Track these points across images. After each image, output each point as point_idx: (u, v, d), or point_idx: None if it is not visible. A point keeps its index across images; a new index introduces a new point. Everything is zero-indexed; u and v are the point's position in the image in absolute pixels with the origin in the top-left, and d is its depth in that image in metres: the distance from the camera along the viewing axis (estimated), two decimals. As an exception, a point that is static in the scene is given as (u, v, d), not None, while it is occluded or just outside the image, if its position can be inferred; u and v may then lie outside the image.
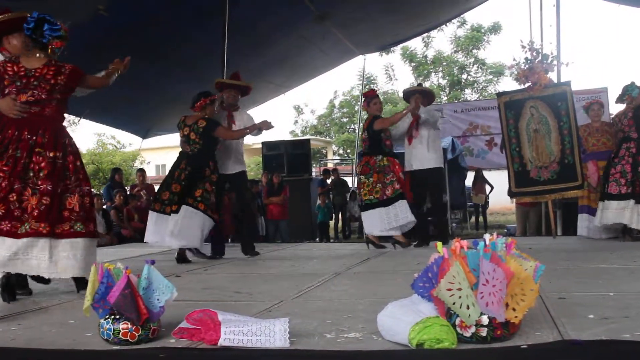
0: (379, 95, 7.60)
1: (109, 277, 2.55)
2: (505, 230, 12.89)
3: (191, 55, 10.47)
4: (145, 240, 6.32)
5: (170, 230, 5.84)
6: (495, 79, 28.01)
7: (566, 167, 6.86)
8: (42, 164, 3.75)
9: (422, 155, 7.06)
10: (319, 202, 13.89)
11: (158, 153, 30.07)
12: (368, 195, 6.89)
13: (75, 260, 3.81)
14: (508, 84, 27.49)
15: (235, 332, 2.40)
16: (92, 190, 4.09)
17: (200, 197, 5.84)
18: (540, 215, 10.24)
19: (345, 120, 31.15)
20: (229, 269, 5.56)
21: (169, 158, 30.61)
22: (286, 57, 12.12)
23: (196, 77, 11.25)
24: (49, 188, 3.73)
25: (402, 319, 2.36)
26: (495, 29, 26.85)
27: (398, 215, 6.76)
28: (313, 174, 15.35)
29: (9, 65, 3.86)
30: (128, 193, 11.50)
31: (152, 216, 6.07)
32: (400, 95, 24.05)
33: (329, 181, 14.84)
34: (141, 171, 12.53)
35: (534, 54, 7.00)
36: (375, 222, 6.89)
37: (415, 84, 21.45)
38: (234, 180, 6.55)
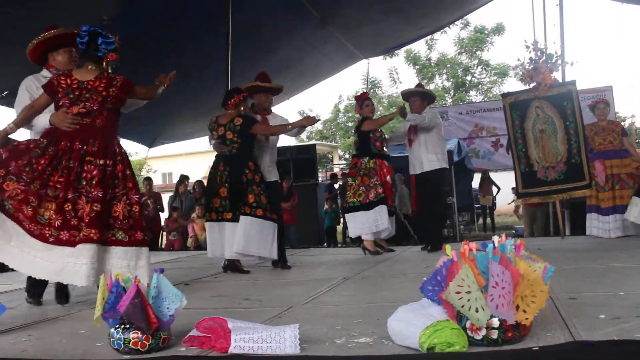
0: (371, 98, 7.56)
1: (119, 287, 2.56)
2: (513, 232, 12.86)
3: (195, 63, 10.50)
4: (209, 256, 5.98)
5: (237, 243, 5.52)
6: (500, 80, 27.95)
7: (573, 166, 6.84)
8: (94, 172, 3.86)
9: (421, 157, 6.99)
10: (326, 206, 13.86)
11: (164, 161, 30.14)
12: (352, 197, 6.83)
13: (113, 268, 3.84)
14: (513, 84, 27.44)
15: (245, 339, 2.40)
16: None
17: (255, 202, 5.58)
18: (547, 216, 10.20)
19: (350, 124, 31.11)
20: (238, 276, 5.55)
21: (175, 166, 30.77)
22: (290, 63, 12.13)
23: (201, 84, 11.29)
24: (100, 195, 3.82)
25: (413, 323, 2.36)
26: (498, 29, 26.81)
27: (377, 221, 6.68)
28: (319, 178, 15.32)
29: (62, 78, 3.99)
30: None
31: (213, 227, 5.76)
32: (405, 98, 24.03)
33: (336, 186, 14.81)
34: (148, 180, 12.56)
35: (538, 54, 6.98)
36: (357, 225, 6.83)
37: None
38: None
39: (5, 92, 9.48)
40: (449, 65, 28.07)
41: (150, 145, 14.06)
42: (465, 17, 21.65)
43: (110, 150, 3.97)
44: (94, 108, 3.94)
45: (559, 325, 2.62)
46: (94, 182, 3.83)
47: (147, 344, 2.52)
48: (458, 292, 2.26)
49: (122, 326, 2.54)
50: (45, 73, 4.29)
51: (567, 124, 6.87)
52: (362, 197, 6.73)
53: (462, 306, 2.26)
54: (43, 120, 4.03)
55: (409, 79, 44.11)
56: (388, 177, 6.84)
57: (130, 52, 9.53)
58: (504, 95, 7.58)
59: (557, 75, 7.27)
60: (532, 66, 6.92)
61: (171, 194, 12.55)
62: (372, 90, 25.15)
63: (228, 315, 2.62)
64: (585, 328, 2.52)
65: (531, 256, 2.47)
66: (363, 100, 7.13)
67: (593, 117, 7.52)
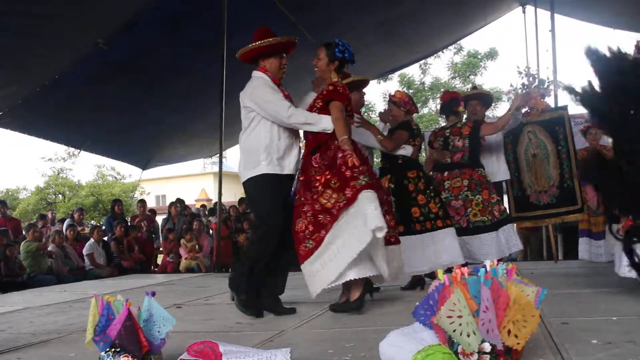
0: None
1: (110, 310, 2.55)
2: (507, 256, 12.83)
3: (190, 87, 10.55)
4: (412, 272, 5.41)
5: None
6: (493, 104, 28.11)
7: (565, 191, 6.86)
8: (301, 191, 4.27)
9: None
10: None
11: (158, 184, 30.09)
12: (480, 215, 5.78)
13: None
14: (505, 109, 27.53)
15: (236, 363, 2.38)
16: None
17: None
18: (541, 240, 10.21)
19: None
20: (230, 298, 5.52)
21: (169, 189, 30.55)
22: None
23: (195, 108, 11.33)
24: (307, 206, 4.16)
25: (404, 347, 2.35)
26: (491, 54, 27.00)
27: (509, 242, 5.93)
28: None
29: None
30: (129, 224, 11.48)
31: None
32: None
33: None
34: (142, 202, 12.53)
35: (531, 79, 7.02)
36: (485, 248, 5.81)
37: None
38: None
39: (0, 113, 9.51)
40: (442, 90, 28.22)
41: (144, 167, 14.07)
42: (458, 42, 21.85)
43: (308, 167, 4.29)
44: None
45: (551, 350, 2.61)
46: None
47: (138, 367, 2.50)
48: (450, 317, 2.26)
49: (113, 349, 2.52)
50: (256, 74, 4.57)
51: (559, 149, 6.90)
52: (491, 215, 5.84)
53: (454, 331, 2.25)
54: None
55: (403, 103, 44.21)
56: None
57: (124, 75, 9.64)
58: (497, 120, 7.61)
59: (549, 101, 7.31)
60: (524, 91, 6.96)
61: (164, 216, 12.52)
62: (365, 114, 25.28)
63: (219, 338, 2.60)
64: (577, 353, 2.52)
65: (523, 280, 2.47)
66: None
67: (585, 142, 7.55)
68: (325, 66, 4.51)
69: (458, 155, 5.88)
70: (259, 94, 4.34)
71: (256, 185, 4.27)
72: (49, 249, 9.38)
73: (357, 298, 4.17)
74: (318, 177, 4.17)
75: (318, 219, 4.04)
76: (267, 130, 4.30)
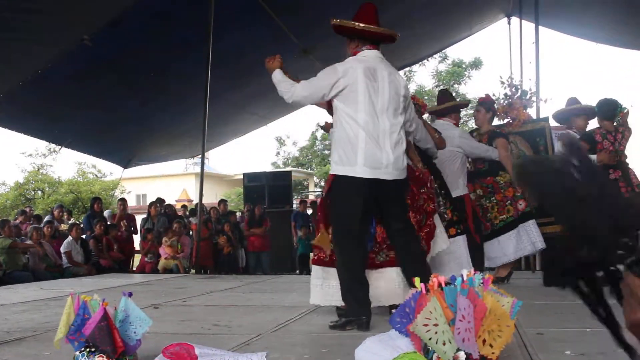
0: None
1: (86, 309, 2.53)
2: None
3: (174, 86, 10.53)
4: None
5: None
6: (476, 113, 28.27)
7: (545, 202, 6.91)
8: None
9: None
10: (300, 233, 13.82)
11: (139, 183, 29.92)
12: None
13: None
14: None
15: (212, 366, 2.38)
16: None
17: None
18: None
19: (327, 152, 31.21)
20: (208, 300, 5.51)
21: (150, 188, 30.36)
22: (269, 89, 12.11)
23: (178, 107, 11.30)
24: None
25: (380, 354, 2.36)
26: (476, 64, 27.19)
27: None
28: (294, 205, 15.31)
29: None
30: (108, 223, 11.40)
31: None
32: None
33: (309, 212, 14.75)
34: (122, 201, 12.46)
35: (513, 90, 7.09)
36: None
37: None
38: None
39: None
40: (426, 97, 28.31)
41: (126, 166, 14.01)
42: (443, 51, 21.99)
43: None
44: None
45: (525, 360, 2.64)
46: None
47: (112, 368, 2.49)
48: (426, 325, 2.27)
49: (87, 349, 2.51)
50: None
51: (539, 160, 6.96)
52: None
53: (430, 339, 2.27)
54: None
55: (387, 109, 44.37)
56: None
57: (108, 72, 9.59)
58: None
59: (531, 112, 7.38)
60: (506, 102, 7.02)
61: (144, 215, 12.47)
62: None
63: (196, 340, 2.60)
64: (551, 364, 2.54)
65: (499, 290, 2.49)
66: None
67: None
68: None
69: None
70: None
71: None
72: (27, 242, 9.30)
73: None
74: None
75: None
76: None
